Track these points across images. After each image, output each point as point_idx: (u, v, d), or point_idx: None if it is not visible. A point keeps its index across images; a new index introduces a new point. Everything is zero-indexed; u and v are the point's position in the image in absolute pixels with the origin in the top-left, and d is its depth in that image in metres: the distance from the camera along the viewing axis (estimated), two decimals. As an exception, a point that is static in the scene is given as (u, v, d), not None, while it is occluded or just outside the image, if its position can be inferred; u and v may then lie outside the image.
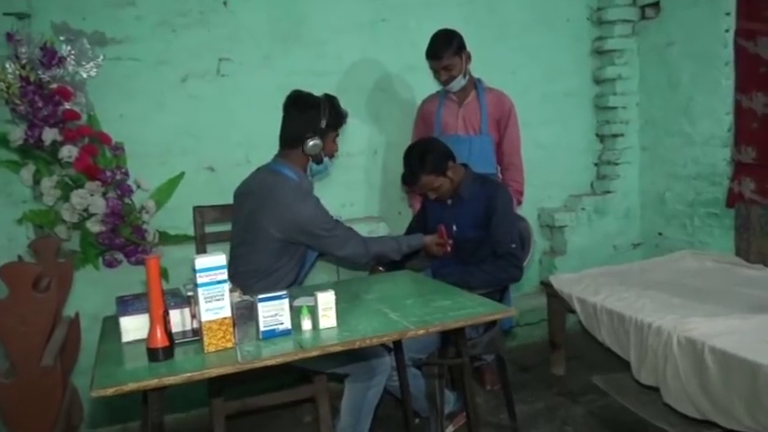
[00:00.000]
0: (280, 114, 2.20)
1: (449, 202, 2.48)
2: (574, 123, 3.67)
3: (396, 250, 2.31)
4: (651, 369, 2.26)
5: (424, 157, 2.35)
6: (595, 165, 3.78)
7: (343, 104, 2.23)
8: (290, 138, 2.15)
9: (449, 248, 2.40)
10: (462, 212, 2.44)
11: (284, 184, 2.12)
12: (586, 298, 2.63)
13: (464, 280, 2.26)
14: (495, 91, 2.88)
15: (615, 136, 3.67)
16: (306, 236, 2.10)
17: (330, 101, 2.16)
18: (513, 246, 2.37)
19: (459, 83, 2.77)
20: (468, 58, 2.77)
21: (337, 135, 2.21)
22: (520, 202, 2.94)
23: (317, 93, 2.20)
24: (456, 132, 2.84)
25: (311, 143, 2.10)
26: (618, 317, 2.43)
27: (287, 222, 2.06)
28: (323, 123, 2.11)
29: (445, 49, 2.69)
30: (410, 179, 2.42)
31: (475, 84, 2.85)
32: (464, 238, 2.42)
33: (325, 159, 2.20)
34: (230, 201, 2.35)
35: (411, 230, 2.66)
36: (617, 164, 3.67)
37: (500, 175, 2.91)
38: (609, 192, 3.68)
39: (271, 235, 2.07)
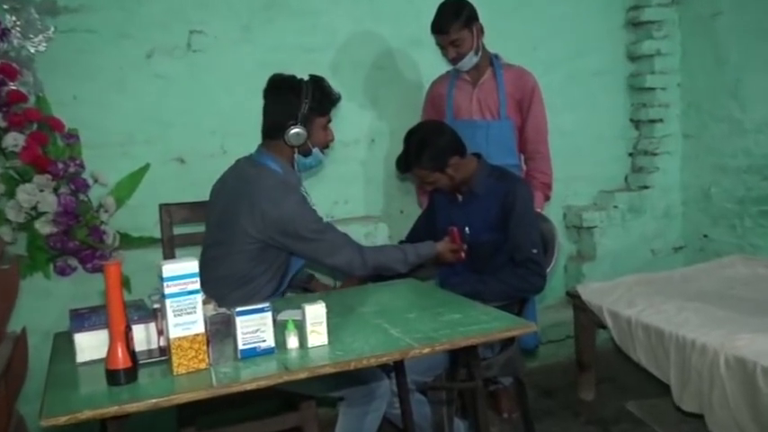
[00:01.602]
0: (260, 97, 2.20)
1: (459, 198, 2.48)
2: (605, 107, 3.67)
3: (401, 261, 2.25)
4: (694, 393, 2.26)
5: (421, 150, 2.34)
6: (630, 155, 3.79)
7: (337, 85, 2.22)
8: (271, 127, 2.16)
9: (464, 255, 2.38)
10: (475, 211, 2.44)
11: (267, 176, 2.12)
12: (619, 311, 2.64)
13: (477, 290, 2.26)
14: (516, 68, 2.88)
15: (653, 122, 3.67)
16: (288, 238, 2.09)
17: (315, 82, 2.16)
18: (535, 251, 2.37)
19: (470, 60, 2.77)
20: (481, 31, 2.77)
21: (329, 121, 2.22)
22: (548, 198, 2.95)
23: (307, 71, 2.20)
24: (471, 117, 2.85)
25: (293, 131, 2.11)
26: (656, 333, 2.44)
27: (266, 221, 2.05)
28: (304, 108, 2.11)
29: (452, 22, 2.69)
30: (402, 167, 2.44)
31: (491, 60, 2.85)
32: (478, 242, 2.41)
33: (316, 151, 2.20)
34: (202, 197, 2.34)
35: (415, 230, 2.66)
36: (655, 154, 3.68)
37: (524, 166, 2.91)
38: (646, 187, 3.69)
39: (248, 235, 2.07)
